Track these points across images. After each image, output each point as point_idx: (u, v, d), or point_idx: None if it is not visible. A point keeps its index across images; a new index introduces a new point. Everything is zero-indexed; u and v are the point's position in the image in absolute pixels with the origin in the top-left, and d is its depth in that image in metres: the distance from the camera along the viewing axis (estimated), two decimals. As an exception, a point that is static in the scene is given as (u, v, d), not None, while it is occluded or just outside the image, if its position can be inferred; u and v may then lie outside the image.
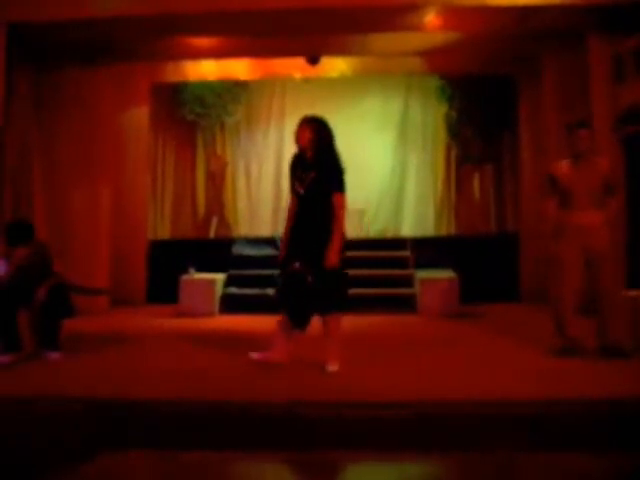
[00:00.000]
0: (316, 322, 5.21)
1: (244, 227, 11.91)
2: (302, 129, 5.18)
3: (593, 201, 5.46)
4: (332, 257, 4.91)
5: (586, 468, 2.68)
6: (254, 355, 5.30)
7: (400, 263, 9.84)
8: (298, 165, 5.23)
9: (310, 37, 8.82)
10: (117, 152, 9.82)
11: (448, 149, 11.79)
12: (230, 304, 9.17)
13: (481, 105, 11.01)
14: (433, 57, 9.71)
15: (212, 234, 11.80)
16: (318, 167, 5.08)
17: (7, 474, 3.54)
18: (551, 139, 8.64)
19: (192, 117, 11.63)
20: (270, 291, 9.00)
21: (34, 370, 5.38)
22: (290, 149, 12.40)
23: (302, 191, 5.14)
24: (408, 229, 11.76)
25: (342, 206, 5.02)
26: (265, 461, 2.86)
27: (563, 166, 5.61)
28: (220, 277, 9.38)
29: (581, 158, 5.53)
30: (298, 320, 5.13)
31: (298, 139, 5.21)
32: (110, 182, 9.45)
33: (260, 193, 12.08)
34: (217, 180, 11.96)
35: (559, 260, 5.53)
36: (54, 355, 5.73)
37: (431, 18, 7.61)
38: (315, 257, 4.95)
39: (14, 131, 7.98)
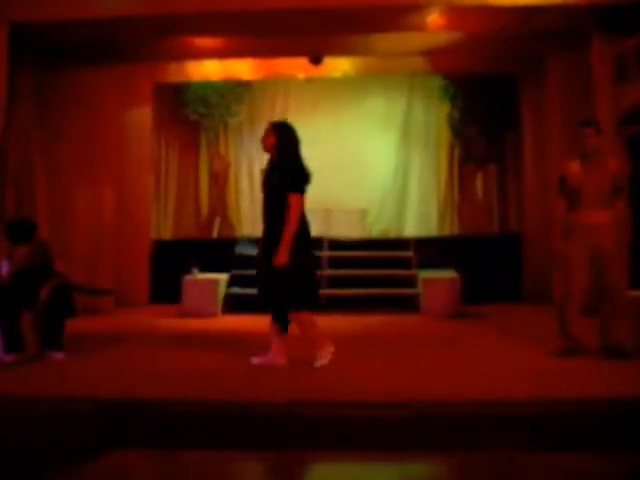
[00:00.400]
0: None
1: (247, 227, 11.90)
2: (266, 135, 5.34)
3: (601, 201, 5.44)
4: (279, 257, 5.02)
5: (587, 468, 2.67)
6: (255, 360, 5.35)
7: (403, 263, 9.83)
8: (267, 169, 5.38)
9: (313, 37, 8.82)
10: (120, 152, 9.82)
11: (451, 149, 11.79)
12: (233, 304, 9.17)
13: (484, 105, 11.00)
14: (436, 57, 9.69)
15: (215, 234, 11.81)
16: (279, 170, 5.21)
17: (10, 474, 3.55)
18: (554, 139, 8.64)
19: (195, 117, 11.64)
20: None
21: (37, 370, 5.40)
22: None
23: (266, 194, 5.28)
24: (411, 229, 11.75)
25: (295, 207, 5.09)
26: (268, 461, 2.85)
27: (573, 166, 5.58)
28: (223, 277, 9.38)
29: (589, 158, 5.50)
30: (277, 319, 5.27)
31: (263, 145, 5.37)
32: (113, 182, 9.47)
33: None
34: (220, 180, 11.98)
35: (567, 259, 5.51)
36: (57, 355, 5.74)
37: (434, 18, 7.61)
38: (271, 257, 5.08)
39: (16, 131, 8.00)
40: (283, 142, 5.24)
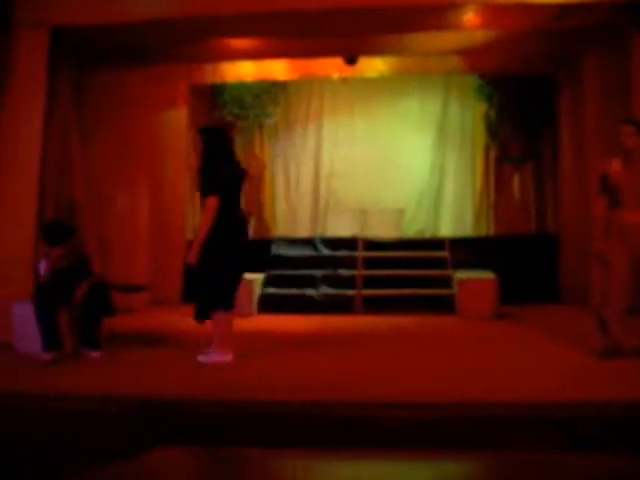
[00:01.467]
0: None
1: (282, 228, 11.92)
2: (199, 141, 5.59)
3: None
4: (190, 255, 5.29)
5: (624, 470, 2.63)
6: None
7: (438, 263, 9.77)
8: None
9: (348, 37, 8.80)
10: (156, 153, 9.90)
11: (487, 149, 11.67)
12: (269, 304, 9.19)
13: (521, 104, 10.88)
14: (472, 56, 9.59)
15: (250, 234, 11.82)
16: (197, 175, 5.51)
17: (45, 471, 3.58)
18: (591, 138, 8.51)
19: (231, 118, 11.67)
20: (309, 291, 9.10)
21: (74, 368, 5.47)
22: (328, 149, 12.36)
23: None
24: (446, 229, 11.65)
25: (207, 209, 5.29)
26: (306, 458, 2.85)
27: (614, 164, 5.50)
28: (258, 277, 9.40)
29: (631, 156, 5.42)
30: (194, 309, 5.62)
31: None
32: (149, 183, 9.55)
33: (299, 194, 12.09)
34: (255, 181, 12.00)
35: (608, 259, 5.44)
36: (94, 353, 5.81)
37: (470, 16, 7.54)
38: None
39: (55, 132, 8.09)
40: (204, 146, 5.45)
